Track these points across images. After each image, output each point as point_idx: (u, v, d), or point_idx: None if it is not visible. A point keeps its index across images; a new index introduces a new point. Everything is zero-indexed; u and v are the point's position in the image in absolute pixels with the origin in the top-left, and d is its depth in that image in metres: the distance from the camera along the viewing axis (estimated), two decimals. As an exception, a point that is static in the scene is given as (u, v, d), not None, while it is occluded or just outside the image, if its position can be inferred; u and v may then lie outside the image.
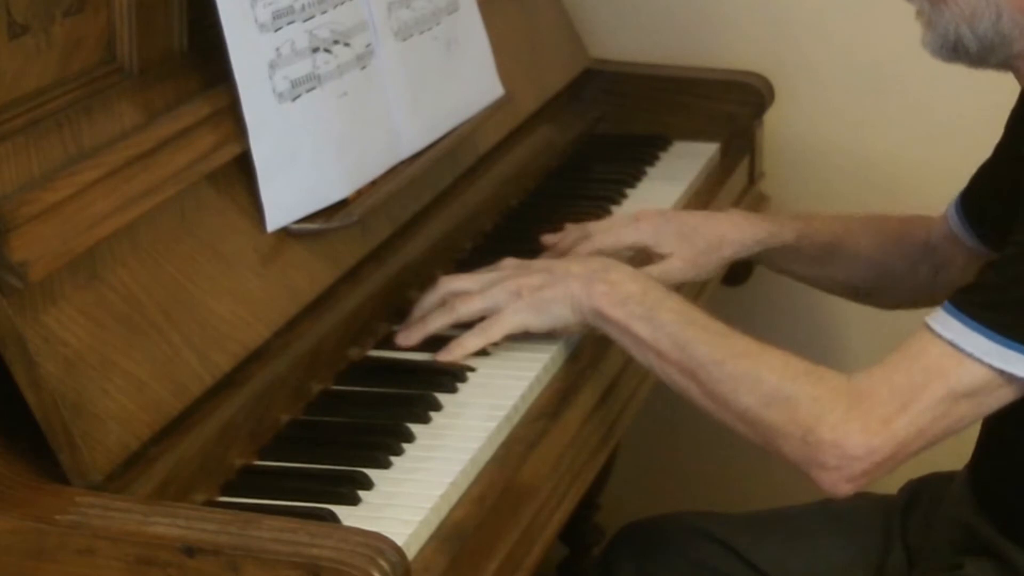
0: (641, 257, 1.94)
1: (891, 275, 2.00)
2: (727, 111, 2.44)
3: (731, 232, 1.98)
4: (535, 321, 1.73)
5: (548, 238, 1.98)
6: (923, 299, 1.98)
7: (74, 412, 1.37)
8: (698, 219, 2.01)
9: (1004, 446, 1.73)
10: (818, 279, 2.06)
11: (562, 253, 1.93)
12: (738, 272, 2.34)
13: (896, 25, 2.53)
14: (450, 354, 1.72)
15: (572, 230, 1.96)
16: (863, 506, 1.92)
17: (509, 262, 1.81)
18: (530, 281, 1.74)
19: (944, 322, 1.57)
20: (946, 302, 1.59)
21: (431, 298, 1.77)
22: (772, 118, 2.50)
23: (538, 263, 1.80)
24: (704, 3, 2.60)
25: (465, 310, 1.74)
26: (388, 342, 1.79)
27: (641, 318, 1.67)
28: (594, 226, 1.97)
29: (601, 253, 1.89)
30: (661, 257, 1.93)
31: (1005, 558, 1.72)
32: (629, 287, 1.71)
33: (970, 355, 1.55)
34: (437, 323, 1.75)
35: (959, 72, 2.50)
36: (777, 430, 1.59)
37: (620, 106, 2.48)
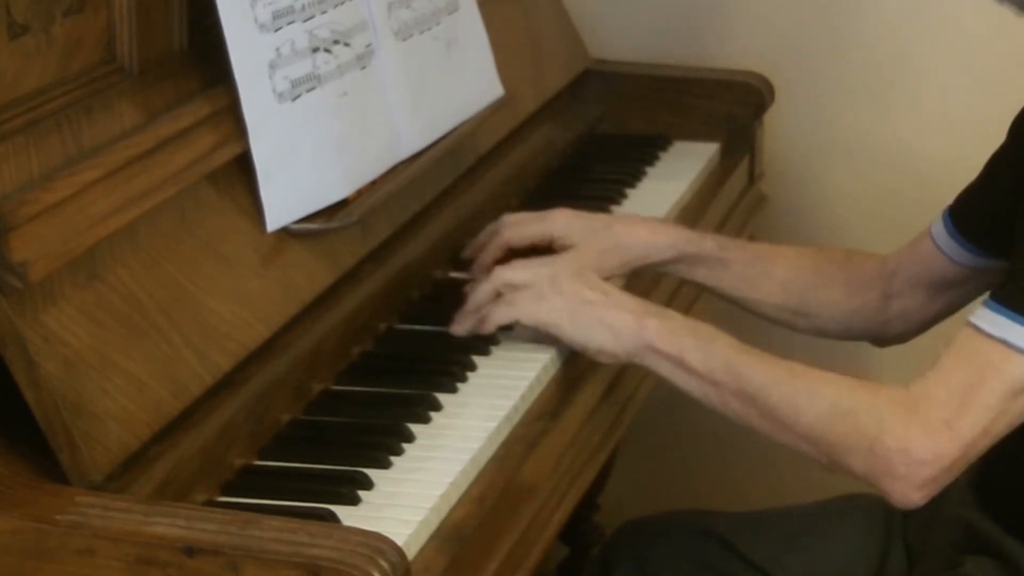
0: (545, 248, 1.91)
1: (827, 298, 1.97)
2: (727, 111, 2.44)
3: (643, 233, 1.95)
4: (569, 331, 1.73)
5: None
6: (868, 327, 1.97)
7: (74, 412, 1.37)
8: (611, 219, 2.01)
9: (1016, 444, 1.73)
10: (748, 300, 1.99)
11: (477, 248, 1.93)
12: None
13: (896, 25, 2.54)
14: (482, 328, 1.75)
15: (488, 227, 1.95)
16: (863, 506, 1.92)
17: (566, 258, 1.83)
18: (586, 294, 1.74)
19: (990, 319, 1.58)
20: (987, 299, 1.60)
21: (486, 288, 1.78)
22: (772, 118, 2.50)
23: (595, 280, 1.78)
24: (704, 3, 2.60)
25: (510, 298, 1.76)
26: (388, 341, 1.79)
27: (695, 351, 1.68)
28: (506, 218, 1.94)
29: (508, 245, 1.90)
30: (565, 248, 1.90)
31: (1007, 556, 1.72)
32: (681, 324, 1.72)
33: (1021, 349, 1.56)
34: (497, 317, 1.76)
35: (960, 71, 2.51)
36: (841, 445, 1.60)
37: (620, 106, 2.48)
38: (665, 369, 1.70)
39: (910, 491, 1.59)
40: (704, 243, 1.97)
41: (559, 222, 1.92)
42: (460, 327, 1.78)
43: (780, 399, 1.63)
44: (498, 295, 1.77)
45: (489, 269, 1.84)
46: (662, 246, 1.94)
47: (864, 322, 1.96)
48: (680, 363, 1.69)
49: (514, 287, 1.77)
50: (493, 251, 1.91)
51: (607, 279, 1.83)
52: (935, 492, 1.60)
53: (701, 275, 1.98)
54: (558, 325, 1.73)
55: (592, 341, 1.73)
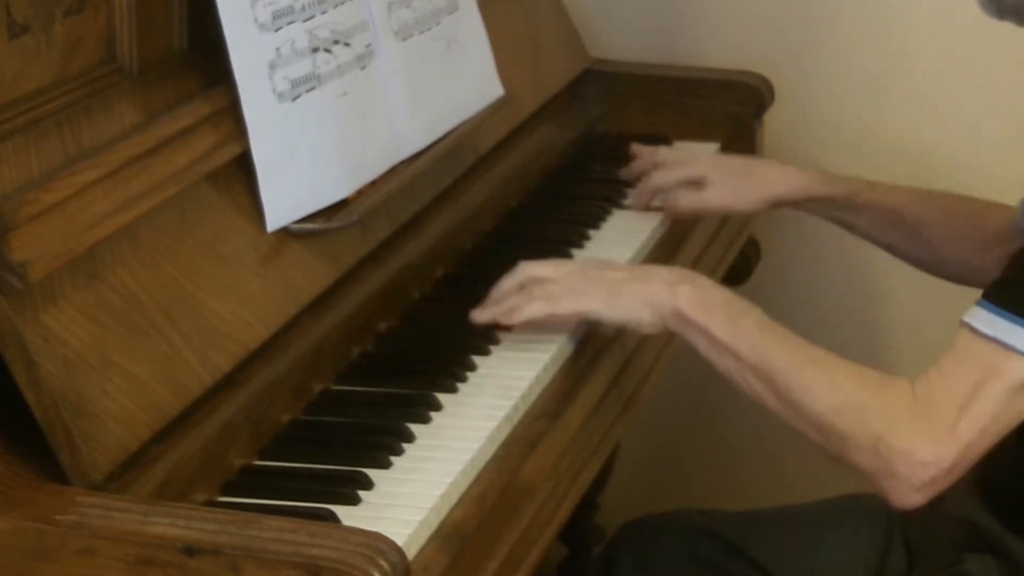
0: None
1: (955, 257, 2.01)
2: (727, 111, 2.44)
3: (777, 174, 2.11)
4: (608, 313, 1.75)
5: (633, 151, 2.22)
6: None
7: (74, 412, 1.37)
8: (750, 161, 2.20)
9: (1019, 442, 1.73)
10: (886, 245, 2.10)
11: (632, 175, 2.18)
12: (738, 272, 2.34)
13: (895, 24, 2.54)
14: (510, 318, 1.75)
15: (644, 154, 2.21)
16: (863, 506, 1.92)
17: (591, 258, 1.88)
18: (614, 275, 1.77)
19: (985, 320, 1.59)
20: (981, 300, 1.60)
21: (510, 281, 1.79)
22: (772, 118, 2.50)
23: (619, 264, 1.87)
24: (704, 3, 2.60)
25: (541, 293, 1.76)
26: (388, 340, 1.79)
27: (723, 323, 1.69)
28: (659, 156, 2.19)
29: (658, 188, 2.13)
30: (704, 187, 2.09)
31: (1008, 554, 1.72)
32: (714, 293, 1.73)
33: (1016, 349, 1.57)
34: (530, 311, 1.76)
35: (962, 71, 2.51)
36: (848, 438, 1.61)
37: (620, 106, 2.48)
38: (692, 336, 1.72)
39: (909, 492, 1.59)
40: (838, 186, 2.09)
41: (702, 167, 2.11)
42: (481, 315, 1.78)
43: (797, 383, 1.64)
44: (522, 288, 1.77)
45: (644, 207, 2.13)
46: (794, 187, 2.09)
47: (986, 276, 1.96)
48: (705, 332, 1.70)
49: (539, 281, 1.77)
50: (646, 196, 2.13)
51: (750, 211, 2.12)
52: (934, 494, 1.61)
53: (836, 216, 2.11)
54: (598, 311, 1.75)
55: (632, 317, 1.75)
